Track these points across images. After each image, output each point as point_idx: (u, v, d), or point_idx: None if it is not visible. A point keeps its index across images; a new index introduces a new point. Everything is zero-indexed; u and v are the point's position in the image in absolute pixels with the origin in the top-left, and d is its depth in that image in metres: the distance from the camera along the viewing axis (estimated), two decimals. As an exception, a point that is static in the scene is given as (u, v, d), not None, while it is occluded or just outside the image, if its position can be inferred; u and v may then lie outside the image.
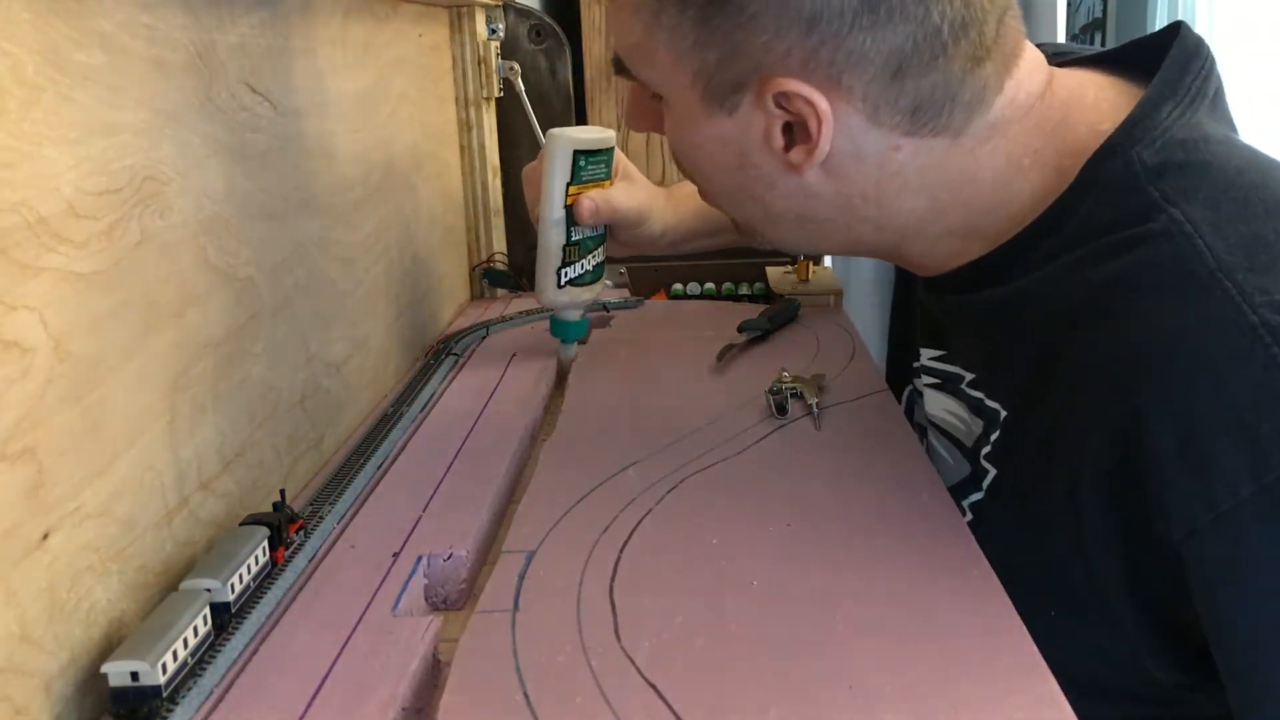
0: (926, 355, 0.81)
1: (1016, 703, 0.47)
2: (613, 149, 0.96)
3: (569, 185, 0.93)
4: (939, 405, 0.79)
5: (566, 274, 0.96)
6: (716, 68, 0.65)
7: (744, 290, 1.35)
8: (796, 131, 0.66)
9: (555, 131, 0.93)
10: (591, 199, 0.94)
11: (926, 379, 0.81)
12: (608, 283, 1.06)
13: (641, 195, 0.99)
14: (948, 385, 0.78)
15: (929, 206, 0.69)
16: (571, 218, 0.94)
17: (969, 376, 0.75)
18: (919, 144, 0.66)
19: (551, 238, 0.94)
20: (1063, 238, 0.64)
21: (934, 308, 0.78)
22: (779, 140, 0.66)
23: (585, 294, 0.99)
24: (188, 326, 0.61)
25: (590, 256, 0.98)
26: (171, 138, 0.60)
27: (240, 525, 0.61)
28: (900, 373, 0.94)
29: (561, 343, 1.03)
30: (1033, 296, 0.66)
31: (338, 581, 0.61)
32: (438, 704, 0.49)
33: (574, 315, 1.01)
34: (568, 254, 0.96)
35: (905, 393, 0.91)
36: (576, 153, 0.92)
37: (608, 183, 0.97)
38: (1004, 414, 0.70)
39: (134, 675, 0.47)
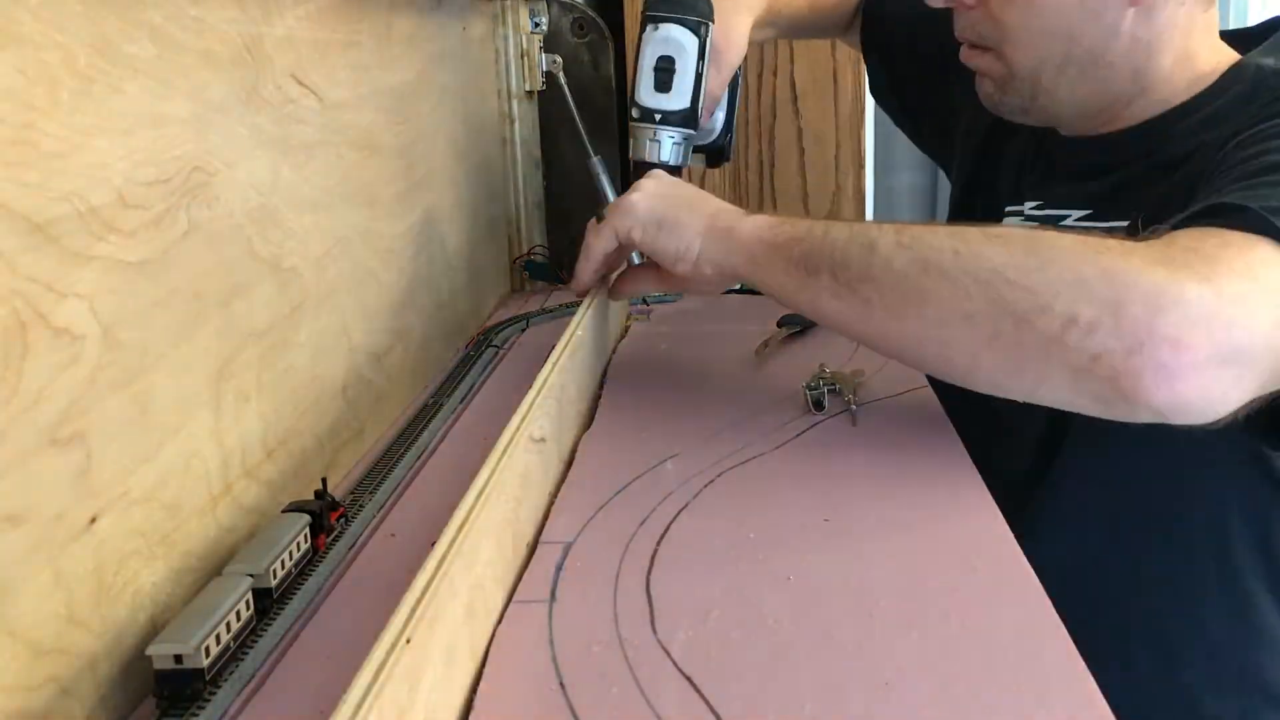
0: (1027, 206, 0.94)
1: (1056, 703, 0.47)
2: None
3: None
4: None
5: None
6: None
7: (784, 285, 1.34)
8: None
9: None
10: None
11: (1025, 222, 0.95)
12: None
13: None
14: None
15: (1166, 67, 0.82)
16: None
17: (1077, 214, 0.89)
18: (1194, 6, 0.80)
19: None
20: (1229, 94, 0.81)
21: (1077, 159, 0.90)
22: None
23: None
24: (233, 316, 0.62)
25: None
26: (219, 129, 0.61)
27: (282, 512, 0.62)
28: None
29: None
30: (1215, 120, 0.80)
31: (377, 569, 0.62)
32: (474, 692, 0.50)
33: None
34: None
35: None
36: None
37: None
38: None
39: (178, 658, 0.48)
